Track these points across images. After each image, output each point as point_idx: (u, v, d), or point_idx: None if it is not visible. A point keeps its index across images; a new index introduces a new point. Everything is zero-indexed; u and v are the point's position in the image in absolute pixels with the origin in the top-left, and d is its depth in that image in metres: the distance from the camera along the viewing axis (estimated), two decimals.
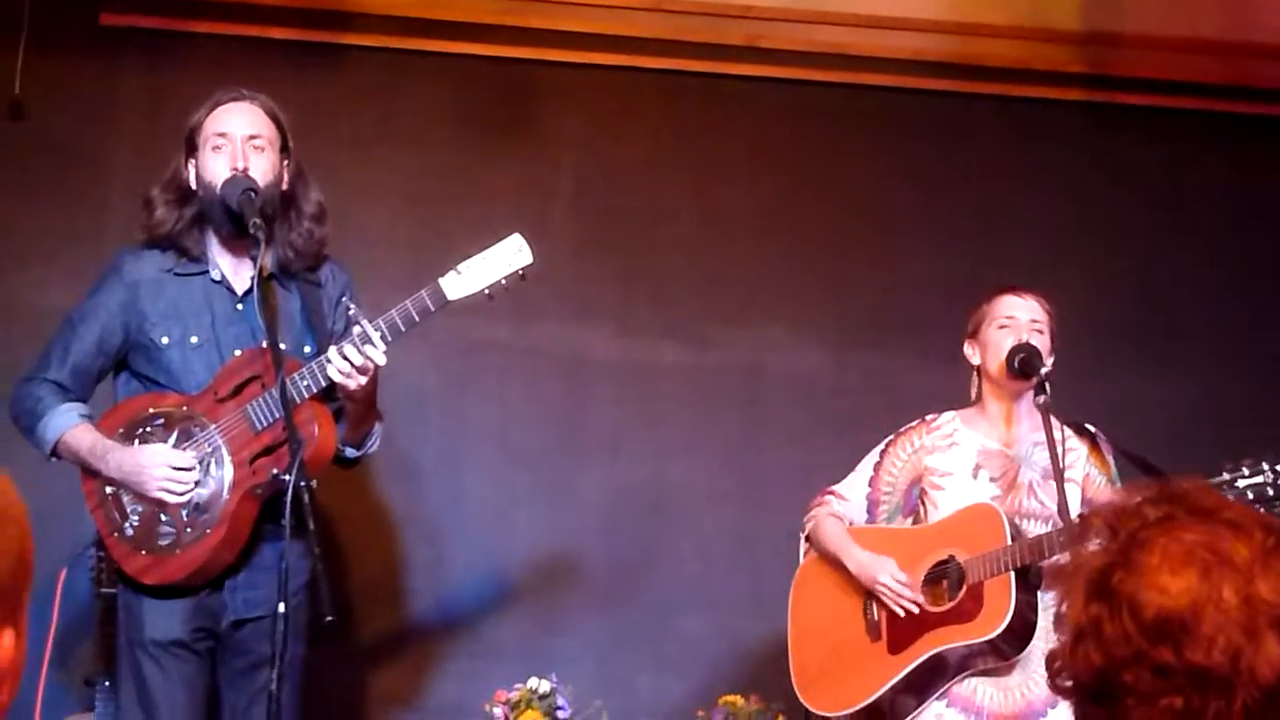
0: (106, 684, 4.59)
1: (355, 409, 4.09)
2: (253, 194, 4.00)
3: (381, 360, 3.93)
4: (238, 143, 4.08)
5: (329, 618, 3.79)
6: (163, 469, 4.00)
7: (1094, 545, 1.67)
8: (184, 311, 4.14)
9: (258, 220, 3.96)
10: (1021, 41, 5.88)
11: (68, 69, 5.44)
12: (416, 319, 3.97)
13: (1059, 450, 4.08)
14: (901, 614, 4.21)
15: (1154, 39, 5.90)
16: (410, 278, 5.40)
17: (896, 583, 4.21)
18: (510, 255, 4.02)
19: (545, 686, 5.13)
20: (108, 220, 5.40)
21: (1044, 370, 4.15)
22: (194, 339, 4.12)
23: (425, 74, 5.67)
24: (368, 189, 5.50)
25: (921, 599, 4.21)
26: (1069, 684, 1.64)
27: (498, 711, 5.13)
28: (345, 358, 3.91)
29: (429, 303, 3.97)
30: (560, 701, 5.11)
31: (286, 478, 3.72)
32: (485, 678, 5.27)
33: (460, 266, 3.99)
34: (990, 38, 5.86)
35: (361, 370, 3.92)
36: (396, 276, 5.31)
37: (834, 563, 4.37)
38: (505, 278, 4.02)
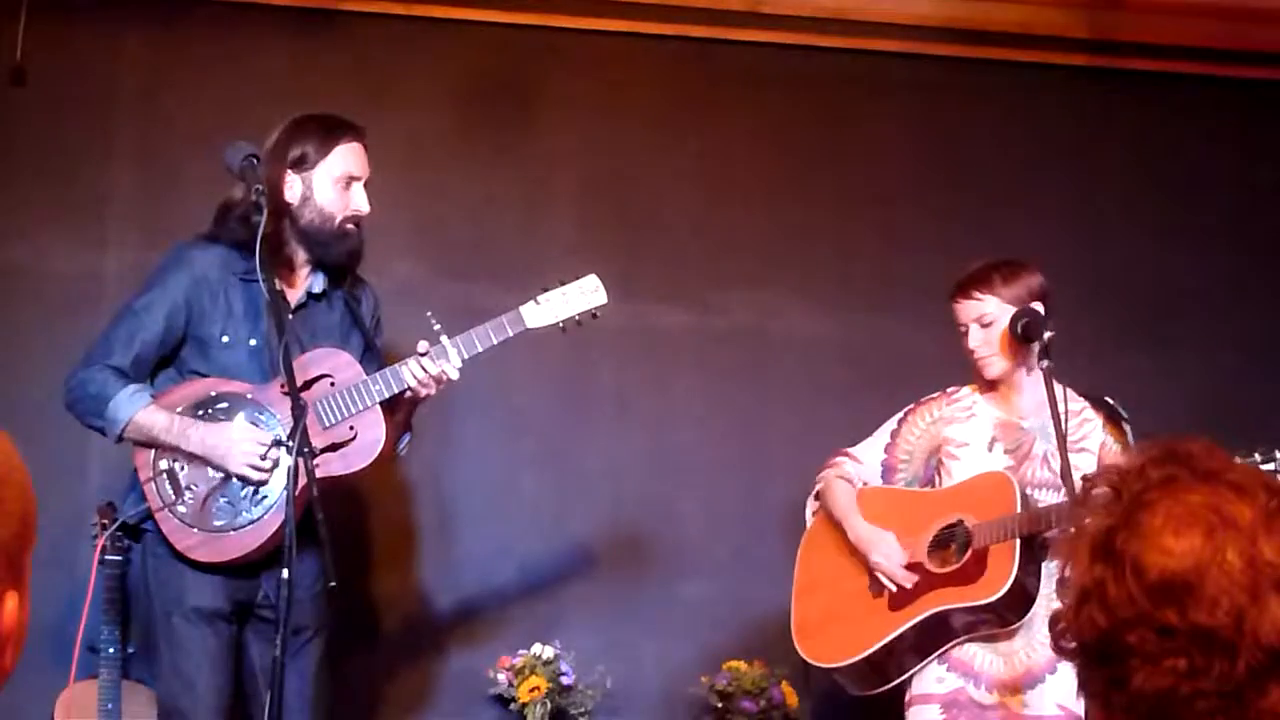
0: (111, 651, 4.62)
1: (406, 410, 4.32)
2: (254, 159, 4.06)
3: (455, 375, 4.21)
4: (362, 188, 4.33)
5: (332, 583, 3.85)
6: (250, 444, 4.10)
7: (1098, 506, 1.67)
8: (245, 315, 4.25)
9: (260, 188, 4.01)
10: (1024, 6, 5.86)
11: (69, 36, 5.42)
12: (494, 341, 4.26)
13: (1062, 414, 4.07)
14: (894, 590, 4.24)
15: (1157, 3, 5.87)
16: (411, 246, 5.44)
17: (889, 562, 4.25)
18: (588, 294, 4.35)
19: (549, 653, 5.15)
20: (110, 187, 5.41)
21: (1047, 335, 4.14)
22: (252, 341, 4.24)
23: (425, 41, 5.65)
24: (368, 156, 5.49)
25: (913, 579, 4.23)
26: (1073, 645, 1.65)
27: (501, 677, 5.14)
28: (423, 368, 4.16)
29: (508, 328, 4.27)
30: (564, 667, 5.12)
31: (290, 444, 3.78)
32: (489, 644, 5.29)
33: (540, 298, 4.30)
34: (992, 2, 5.84)
35: (437, 381, 4.19)
36: (396, 245, 5.32)
37: (840, 525, 4.40)
38: (579, 314, 4.34)
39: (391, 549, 5.43)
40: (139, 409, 4.14)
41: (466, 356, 4.20)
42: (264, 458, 4.10)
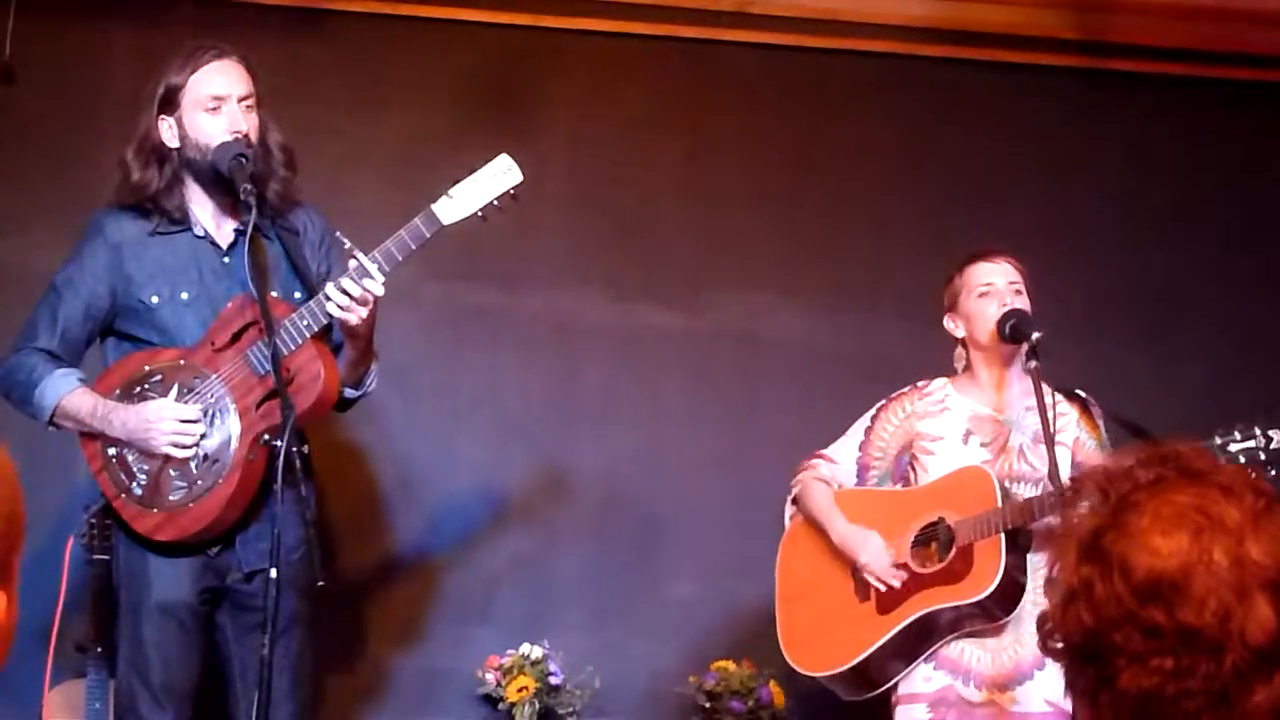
0: (100, 650, 4.60)
1: (355, 345, 4.08)
2: (244, 159, 3.99)
3: (379, 291, 3.92)
4: (235, 105, 4.06)
5: (320, 583, 3.82)
6: (170, 423, 3.99)
7: (1085, 508, 1.67)
8: (171, 269, 4.13)
9: (248, 186, 3.95)
10: (1013, 7, 5.86)
11: (58, 33, 5.41)
12: (412, 246, 3.98)
13: (1049, 414, 4.08)
14: (884, 589, 4.23)
15: (1148, 4, 5.88)
16: None
17: (877, 562, 4.23)
18: (500, 175, 4.06)
19: (537, 652, 5.14)
20: (99, 184, 5.34)
21: (1035, 335, 4.15)
22: (184, 295, 4.12)
23: (415, 41, 5.64)
24: (356, 155, 5.48)
25: (903, 577, 4.22)
26: (1060, 645, 1.65)
27: (490, 677, 5.14)
28: (344, 291, 3.90)
29: (424, 229, 3.99)
30: (552, 667, 5.12)
31: (278, 443, 3.72)
32: (477, 644, 5.28)
33: (452, 191, 4.01)
34: (983, 3, 5.84)
35: (361, 302, 3.91)
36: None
37: (820, 528, 4.39)
38: (497, 198, 4.05)
39: (379, 550, 5.42)
40: (65, 394, 4.07)
41: (388, 270, 3.94)
42: (186, 431, 3.98)
